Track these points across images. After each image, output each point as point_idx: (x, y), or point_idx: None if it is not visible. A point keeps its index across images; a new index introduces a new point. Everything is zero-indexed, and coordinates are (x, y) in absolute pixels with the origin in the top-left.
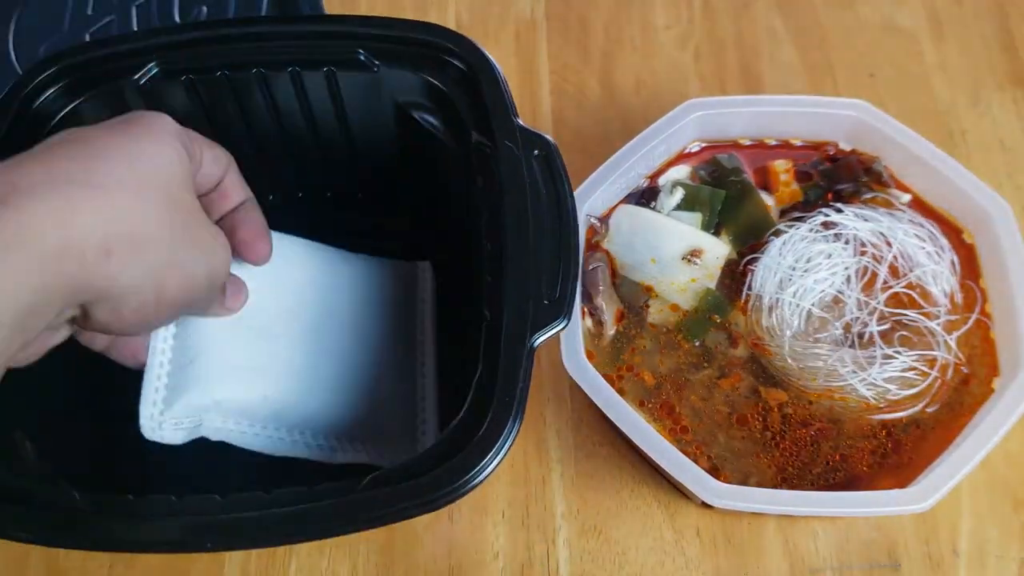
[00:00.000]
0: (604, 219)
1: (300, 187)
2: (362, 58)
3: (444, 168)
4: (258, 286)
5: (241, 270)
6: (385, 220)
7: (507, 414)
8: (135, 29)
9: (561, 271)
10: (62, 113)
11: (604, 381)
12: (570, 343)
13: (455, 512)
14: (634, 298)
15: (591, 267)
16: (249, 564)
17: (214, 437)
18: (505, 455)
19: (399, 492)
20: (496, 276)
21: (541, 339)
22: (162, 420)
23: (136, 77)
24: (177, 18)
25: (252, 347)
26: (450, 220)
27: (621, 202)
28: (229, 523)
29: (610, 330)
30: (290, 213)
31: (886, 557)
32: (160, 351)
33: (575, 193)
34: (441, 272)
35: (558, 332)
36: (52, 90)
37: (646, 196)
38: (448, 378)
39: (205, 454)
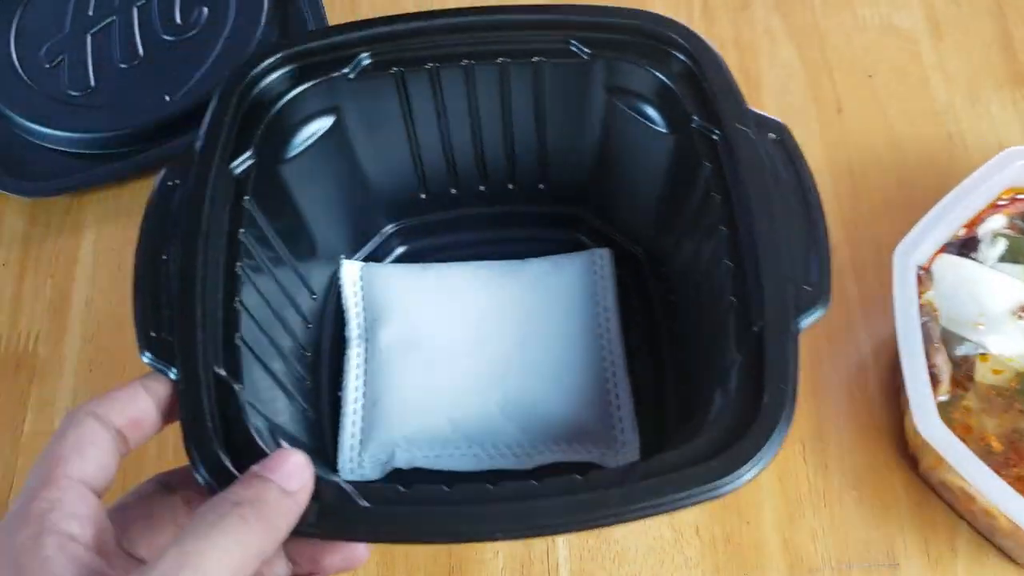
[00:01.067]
0: (925, 269)
1: (483, 179)
2: (574, 48)
3: (650, 155)
4: (430, 318)
5: (410, 305)
6: (566, 208)
7: (782, 401)
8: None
9: (815, 254)
10: (283, 100)
11: (964, 446)
12: (922, 404)
13: None
14: (964, 357)
15: (923, 320)
16: None
17: (406, 466)
18: (782, 443)
19: (685, 478)
20: (738, 261)
21: (805, 323)
22: (360, 461)
23: (347, 71)
24: (179, 19)
25: (432, 377)
26: (638, 207)
27: (939, 252)
28: (526, 510)
29: (944, 391)
30: (469, 205)
31: (885, 556)
32: (352, 400)
33: (904, 241)
34: (620, 258)
35: (819, 318)
36: (274, 76)
37: (966, 246)
38: (633, 364)
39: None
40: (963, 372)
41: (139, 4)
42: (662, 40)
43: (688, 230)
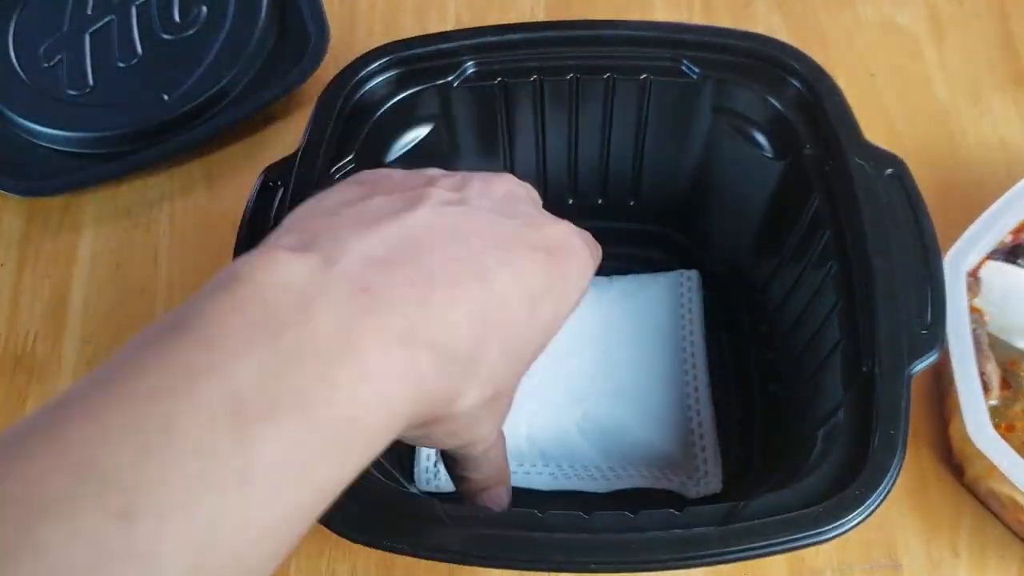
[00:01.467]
0: (972, 275)
1: (572, 193)
2: (684, 67)
3: (754, 179)
4: None
5: None
6: (656, 227)
7: (892, 448)
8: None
9: (930, 297)
10: (387, 104)
11: (1019, 456)
12: (975, 413)
13: None
14: (1011, 363)
15: (972, 328)
16: None
17: None
18: (890, 491)
19: (790, 522)
20: (849, 298)
21: (918, 369)
22: (436, 472)
23: (451, 79)
24: (177, 18)
25: None
26: (733, 231)
27: (986, 258)
28: (624, 543)
29: (994, 398)
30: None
31: (886, 557)
32: None
33: (955, 247)
34: (707, 282)
35: (932, 363)
36: (379, 80)
37: (1013, 253)
38: (719, 392)
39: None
40: (1017, 380)
41: (138, 3)
42: (776, 64)
43: (789, 260)
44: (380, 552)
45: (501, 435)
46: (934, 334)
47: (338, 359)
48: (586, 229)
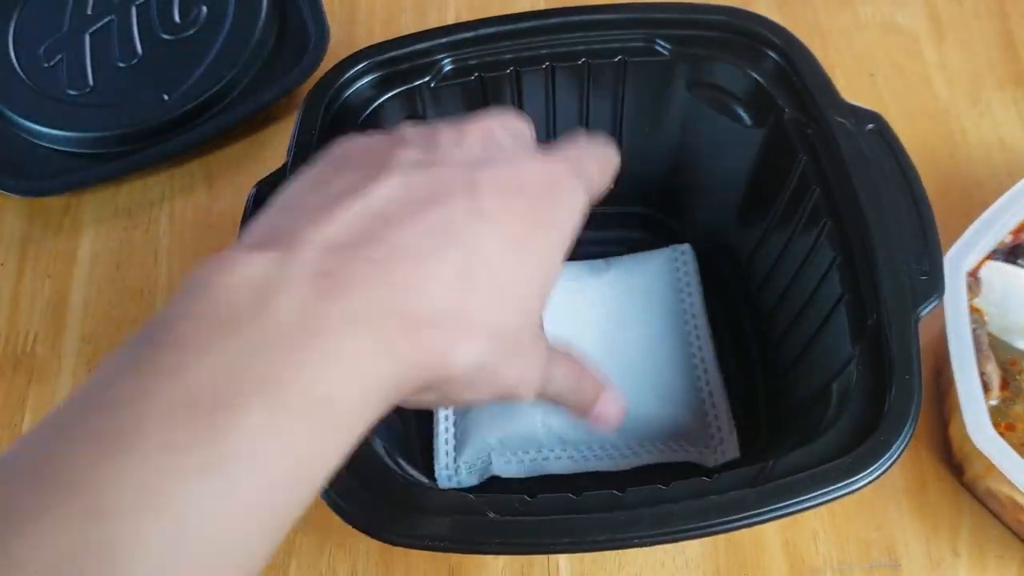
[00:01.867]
0: (972, 275)
1: None
2: (658, 46)
3: (734, 150)
4: None
5: None
6: (639, 208)
7: (910, 393)
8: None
9: (925, 243)
10: (370, 108)
11: (1019, 456)
12: (975, 413)
13: None
14: (1010, 363)
15: (972, 328)
16: None
17: (504, 473)
18: (913, 433)
19: (818, 477)
20: (846, 253)
21: (924, 312)
22: (456, 467)
23: (429, 79)
24: (177, 18)
25: None
26: (717, 204)
27: (986, 258)
28: (662, 515)
29: (993, 398)
30: None
31: (886, 557)
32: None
33: (955, 247)
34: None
35: (936, 306)
36: (361, 83)
37: (1013, 253)
38: (723, 359)
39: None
40: (1017, 381)
41: (138, 3)
42: (749, 35)
43: (776, 226)
44: (380, 552)
45: (561, 357)
46: (934, 278)
47: (302, 345)
48: None
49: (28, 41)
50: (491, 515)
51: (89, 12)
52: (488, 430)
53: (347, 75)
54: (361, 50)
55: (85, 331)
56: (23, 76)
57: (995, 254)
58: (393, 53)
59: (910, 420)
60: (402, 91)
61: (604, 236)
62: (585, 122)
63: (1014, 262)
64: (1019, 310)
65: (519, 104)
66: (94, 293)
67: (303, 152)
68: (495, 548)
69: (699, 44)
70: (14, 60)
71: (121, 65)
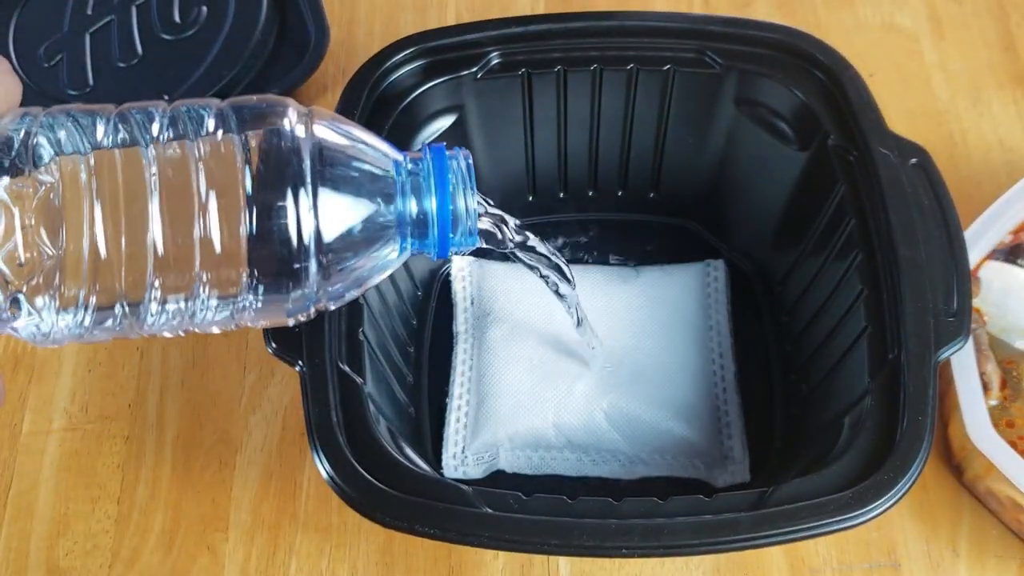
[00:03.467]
0: (973, 275)
1: (593, 185)
2: (708, 58)
3: (777, 170)
4: (539, 319)
5: (519, 304)
6: (676, 219)
7: (920, 434)
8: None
9: (956, 284)
10: (412, 95)
11: (1018, 456)
12: (975, 414)
13: None
14: (1010, 362)
15: (972, 328)
16: (249, 564)
17: (510, 469)
18: (919, 475)
19: (819, 508)
20: (874, 287)
21: (945, 356)
22: (464, 458)
23: (476, 69)
24: (178, 19)
25: (539, 379)
26: (755, 222)
27: (986, 258)
28: (654, 528)
29: (993, 398)
30: (575, 209)
31: (886, 557)
32: (458, 395)
33: None
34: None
35: (959, 350)
36: (405, 70)
37: (1013, 253)
38: (745, 380)
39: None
40: (1017, 381)
41: (138, 3)
42: (800, 55)
43: (810, 251)
44: (380, 552)
45: None
46: (960, 321)
47: None
48: (607, 221)
49: (28, 41)
50: (485, 509)
51: (89, 12)
52: (500, 425)
53: (392, 60)
54: (409, 36)
55: None
56: (23, 76)
57: (995, 254)
58: (443, 41)
59: (916, 462)
60: (446, 80)
61: (641, 244)
62: (629, 127)
63: (1013, 262)
64: (1018, 310)
65: (563, 104)
66: None
67: None
68: (484, 542)
69: (750, 60)
70: (14, 60)
71: (121, 65)
